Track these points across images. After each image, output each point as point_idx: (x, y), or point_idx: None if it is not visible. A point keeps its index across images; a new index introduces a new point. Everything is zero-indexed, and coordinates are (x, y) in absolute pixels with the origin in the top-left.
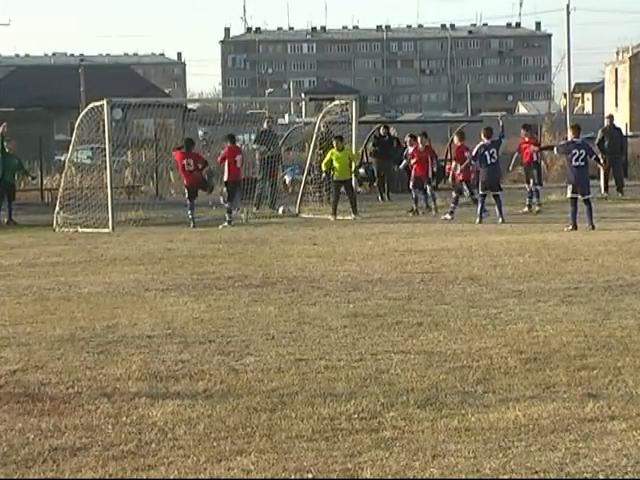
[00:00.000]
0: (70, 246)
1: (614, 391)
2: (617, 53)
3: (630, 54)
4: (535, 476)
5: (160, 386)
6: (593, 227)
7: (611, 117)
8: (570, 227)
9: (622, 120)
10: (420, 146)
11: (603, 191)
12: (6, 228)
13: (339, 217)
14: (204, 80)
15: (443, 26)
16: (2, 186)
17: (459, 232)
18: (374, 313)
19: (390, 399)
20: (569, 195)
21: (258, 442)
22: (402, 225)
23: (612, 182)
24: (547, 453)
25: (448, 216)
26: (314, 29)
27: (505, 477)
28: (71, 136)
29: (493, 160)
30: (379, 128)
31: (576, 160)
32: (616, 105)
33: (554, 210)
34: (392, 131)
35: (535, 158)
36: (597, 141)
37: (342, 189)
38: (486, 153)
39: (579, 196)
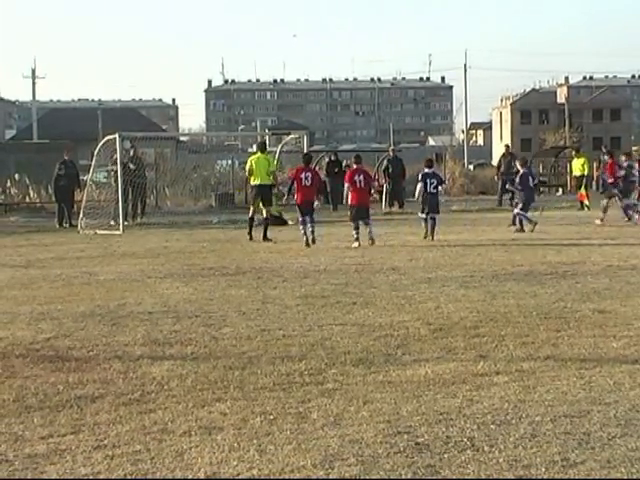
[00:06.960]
0: (90, 244)
1: (499, 353)
2: (501, 100)
3: (511, 101)
4: (441, 418)
5: (158, 350)
6: (432, 238)
7: (507, 147)
8: (427, 236)
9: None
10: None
11: (497, 204)
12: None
13: (291, 223)
14: (192, 119)
15: (372, 79)
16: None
17: (383, 234)
18: (320, 295)
19: (332, 359)
20: (421, 215)
21: (232, 392)
22: (341, 229)
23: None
24: (449, 399)
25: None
26: (275, 81)
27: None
28: (92, 161)
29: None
30: (332, 155)
31: (433, 188)
32: (501, 139)
33: (458, 217)
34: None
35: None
36: (497, 164)
37: None
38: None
39: (429, 215)
